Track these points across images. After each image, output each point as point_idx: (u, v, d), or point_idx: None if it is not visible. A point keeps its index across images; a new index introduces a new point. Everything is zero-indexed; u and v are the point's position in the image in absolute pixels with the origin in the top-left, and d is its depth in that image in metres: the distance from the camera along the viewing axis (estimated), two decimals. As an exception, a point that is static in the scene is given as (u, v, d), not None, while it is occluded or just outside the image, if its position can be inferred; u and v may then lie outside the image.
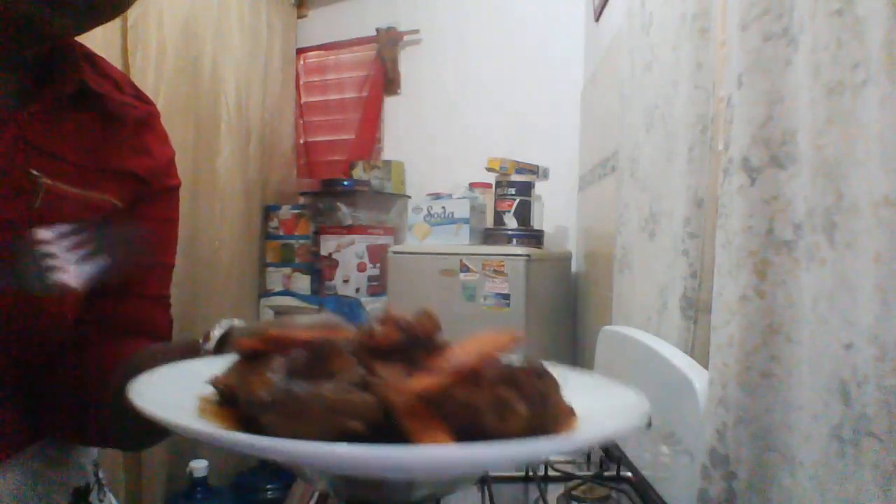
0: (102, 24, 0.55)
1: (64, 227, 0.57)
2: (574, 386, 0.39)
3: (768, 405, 0.59)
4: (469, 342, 0.36)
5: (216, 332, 0.55)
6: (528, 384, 0.34)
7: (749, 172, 0.60)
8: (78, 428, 0.61)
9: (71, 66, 0.59)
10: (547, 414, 0.34)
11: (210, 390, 0.38)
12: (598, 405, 0.39)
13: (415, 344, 0.37)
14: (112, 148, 0.62)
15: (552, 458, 0.90)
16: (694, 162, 0.85)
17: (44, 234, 0.52)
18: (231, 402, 0.36)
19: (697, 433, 0.66)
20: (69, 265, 0.52)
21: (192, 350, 0.54)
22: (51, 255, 0.53)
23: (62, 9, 0.49)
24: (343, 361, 0.35)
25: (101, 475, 0.69)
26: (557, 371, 0.41)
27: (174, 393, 0.37)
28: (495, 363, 0.34)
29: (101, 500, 0.68)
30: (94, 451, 0.70)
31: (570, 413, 0.37)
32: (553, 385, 0.36)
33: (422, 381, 0.32)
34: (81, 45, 0.63)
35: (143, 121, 0.67)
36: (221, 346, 0.54)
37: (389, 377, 0.34)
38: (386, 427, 0.32)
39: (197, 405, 0.37)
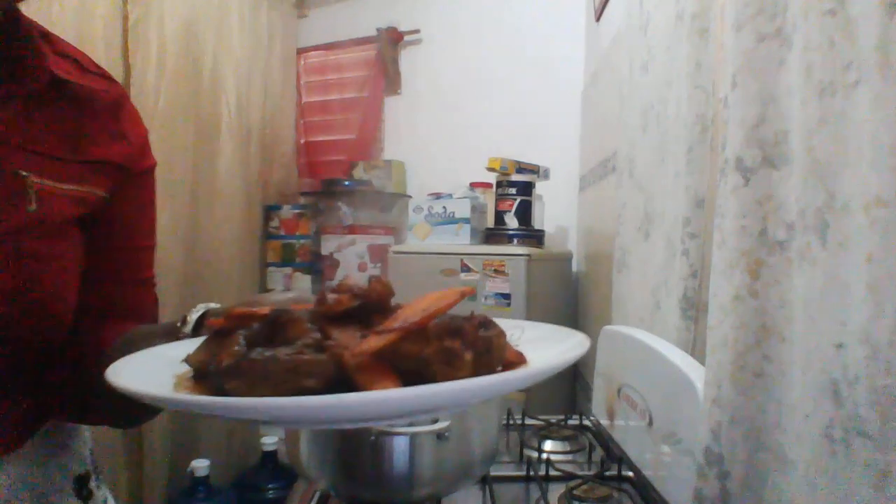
0: None
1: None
2: (529, 336, 0.44)
3: (761, 404, 0.59)
4: (419, 301, 0.39)
5: (192, 316, 0.56)
6: (472, 334, 0.37)
7: (743, 172, 0.61)
8: (78, 409, 0.64)
9: (35, 57, 0.57)
10: (493, 359, 0.37)
11: (186, 369, 0.40)
12: (548, 350, 0.42)
13: (369, 308, 0.40)
14: (90, 137, 0.62)
15: (553, 457, 0.90)
16: (693, 162, 0.85)
17: None
18: (203, 377, 0.38)
19: (697, 433, 0.66)
20: None
21: (171, 333, 0.56)
22: None
23: None
24: (299, 329, 0.37)
25: (97, 463, 0.71)
26: (513, 323, 0.46)
27: (150, 372, 0.40)
28: (442, 318, 0.37)
29: (98, 488, 0.69)
30: (90, 440, 0.71)
31: (519, 358, 0.41)
32: (498, 334, 0.38)
33: (371, 341, 0.35)
34: (36, 24, 0.61)
35: (115, 103, 0.66)
36: (198, 329, 0.56)
37: (342, 339, 0.37)
38: (340, 384, 0.34)
39: (173, 382, 0.39)
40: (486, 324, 0.38)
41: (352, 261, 2.29)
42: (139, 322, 0.67)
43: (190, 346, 0.42)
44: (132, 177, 0.67)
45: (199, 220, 2.02)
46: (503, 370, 0.39)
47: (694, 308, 0.83)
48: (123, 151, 0.66)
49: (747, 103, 0.61)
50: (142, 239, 0.71)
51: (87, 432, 0.71)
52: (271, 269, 2.45)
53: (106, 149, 0.63)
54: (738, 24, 0.63)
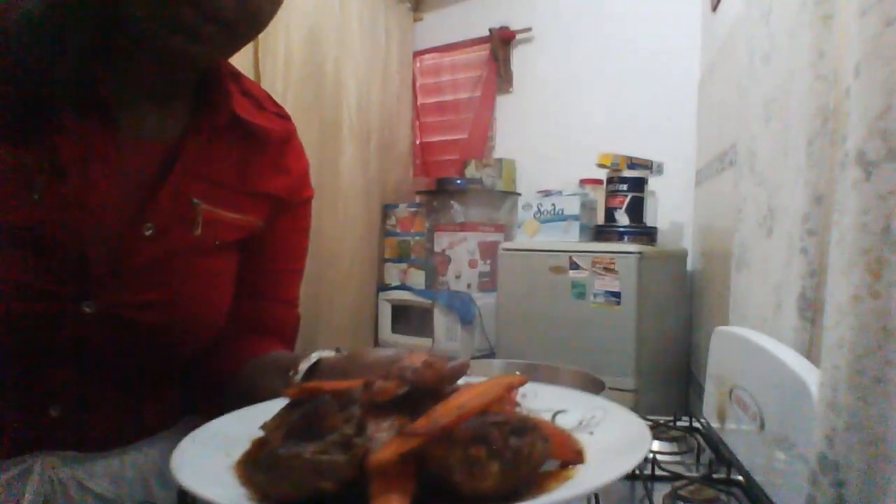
0: (243, 46, 0.60)
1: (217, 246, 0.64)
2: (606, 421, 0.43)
3: (883, 412, 0.55)
4: (460, 394, 0.38)
5: (303, 366, 0.59)
6: (500, 442, 0.35)
7: (865, 166, 0.57)
8: (216, 406, 0.71)
9: (223, 95, 0.64)
10: (521, 470, 0.35)
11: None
12: (608, 444, 0.40)
13: (421, 393, 0.40)
14: (257, 169, 0.68)
15: (659, 457, 0.89)
16: (814, 156, 0.81)
17: None
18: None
19: (811, 438, 0.64)
20: None
21: (285, 374, 0.59)
22: None
23: (203, 41, 0.54)
24: (333, 422, 0.38)
25: None
26: (594, 403, 0.45)
27: (217, 449, 0.42)
28: (473, 420, 0.36)
29: None
30: None
31: (577, 456, 0.39)
32: (534, 441, 0.36)
33: (392, 446, 0.35)
34: (228, 65, 0.69)
35: (284, 139, 0.72)
36: (311, 375, 0.58)
37: (376, 434, 0.37)
38: (362, 482, 0.35)
39: (246, 448, 0.42)
40: (521, 430, 0.36)
41: (463, 257, 2.35)
42: (279, 338, 0.74)
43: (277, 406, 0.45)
44: (289, 206, 0.73)
45: (322, 218, 2.15)
46: (559, 467, 0.38)
47: (811, 308, 0.79)
48: (285, 184, 0.72)
49: (871, 93, 0.58)
50: (289, 262, 0.77)
51: None
52: (388, 264, 2.56)
53: (269, 182, 0.70)
54: (864, 8, 0.60)
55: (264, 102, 0.71)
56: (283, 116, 0.74)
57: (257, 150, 0.68)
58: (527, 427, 0.36)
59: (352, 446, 0.36)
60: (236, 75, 0.69)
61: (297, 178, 0.74)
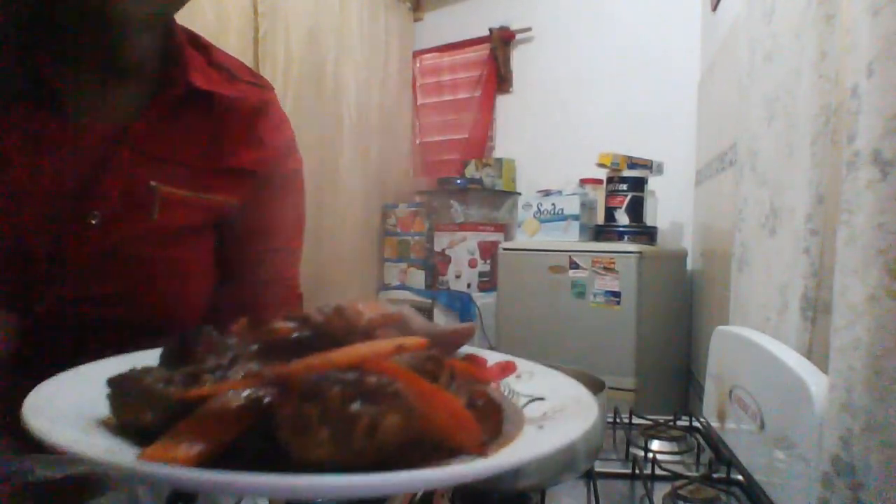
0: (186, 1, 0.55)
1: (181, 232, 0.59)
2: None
3: (901, 413, 0.55)
4: (362, 345, 0.32)
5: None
6: (336, 404, 0.27)
7: (881, 166, 0.57)
8: None
9: (179, 68, 0.59)
10: (356, 444, 0.27)
11: None
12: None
13: (328, 340, 0.33)
14: (224, 145, 0.62)
15: (660, 457, 0.88)
16: (817, 156, 0.81)
17: None
18: None
19: (813, 438, 0.63)
20: None
21: None
22: None
23: None
24: (201, 353, 0.34)
25: None
26: (577, 394, 0.38)
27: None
28: (322, 375, 0.28)
29: None
30: None
31: (474, 448, 0.31)
32: (385, 412, 0.28)
33: (213, 387, 0.30)
34: (197, 36, 0.63)
35: (257, 109, 0.66)
36: None
37: (238, 375, 0.32)
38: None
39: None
40: (369, 395, 0.28)
41: (463, 257, 2.34)
42: None
43: None
44: (271, 180, 0.68)
45: (322, 218, 2.14)
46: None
47: (812, 309, 0.79)
48: (258, 158, 0.66)
49: (886, 91, 0.58)
50: (283, 240, 0.72)
51: None
52: (388, 264, 2.56)
53: (240, 156, 0.64)
54: (876, 7, 0.60)
55: (238, 73, 0.66)
56: (261, 86, 0.68)
57: (224, 125, 0.62)
58: (382, 393, 0.28)
59: (200, 381, 0.31)
60: (205, 47, 0.64)
61: (274, 150, 0.68)
